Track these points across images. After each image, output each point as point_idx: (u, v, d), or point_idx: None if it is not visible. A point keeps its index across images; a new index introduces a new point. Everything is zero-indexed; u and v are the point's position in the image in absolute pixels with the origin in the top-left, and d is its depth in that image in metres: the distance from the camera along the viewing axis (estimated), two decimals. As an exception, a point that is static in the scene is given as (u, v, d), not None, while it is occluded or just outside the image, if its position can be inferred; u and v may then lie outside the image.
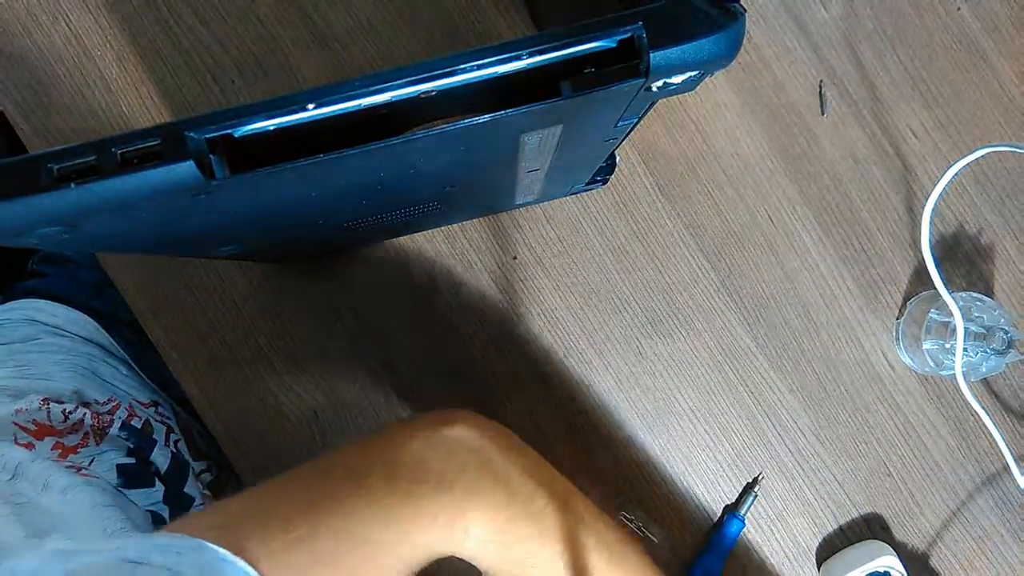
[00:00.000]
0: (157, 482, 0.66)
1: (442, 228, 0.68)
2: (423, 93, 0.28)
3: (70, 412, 0.64)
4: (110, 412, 0.68)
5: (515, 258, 0.68)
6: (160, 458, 0.68)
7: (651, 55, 0.28)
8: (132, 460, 0.65)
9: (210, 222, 0.37)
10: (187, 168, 0.27)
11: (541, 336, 0.69)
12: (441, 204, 0.55)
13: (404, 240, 0.68)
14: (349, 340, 0.68)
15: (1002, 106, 0.70)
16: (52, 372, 0.69)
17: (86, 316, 0.77)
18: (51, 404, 0.63)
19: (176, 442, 0.71)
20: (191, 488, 0.69)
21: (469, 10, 0.68)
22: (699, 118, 0.69)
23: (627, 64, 0.29)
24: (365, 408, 0.68)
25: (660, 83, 0.30)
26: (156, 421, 0.71)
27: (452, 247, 0.68)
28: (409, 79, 0.28)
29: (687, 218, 0.69)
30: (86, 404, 0.67)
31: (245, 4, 0.67)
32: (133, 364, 0.78)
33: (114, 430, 0.66)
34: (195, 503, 0.69)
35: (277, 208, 0.38)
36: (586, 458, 0.68)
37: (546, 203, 0.68)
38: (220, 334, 0.67)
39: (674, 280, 0.69)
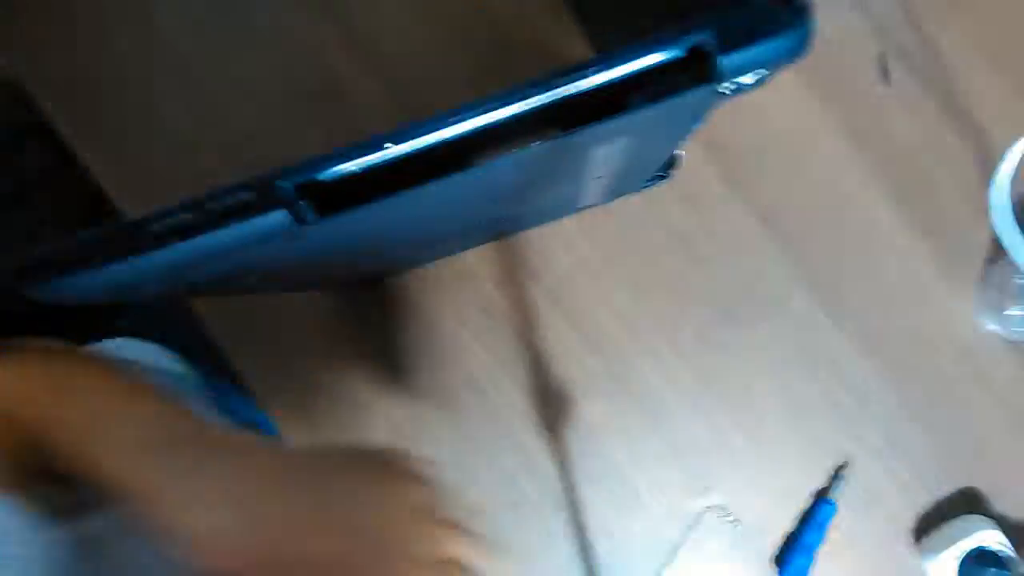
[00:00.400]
0: None
1: (505, 238, 0.69)
2: (497, 122, 0.28)
3: None
4: None
5: (579, 261, 0.68)
6: None
7: (721, 59, 0.28)
8: None
9: (298, 260, 0.38)
10: (280, 216, 0.28)
11: (616, 336, 0.68)
12: (510, 218, 0.55)
13: (469, 254, 0.68)
14: (424, 358, 0.68)
15: (1073, 60, 0.68)
16: None
17: (163, 348, 0.80)
18: None
19: None
20: None
21: (519, 23, 0.68)
22: (759, 102, 0.68)
23: (697, 71, 0.29)
24: (451, 424, 0.68)
25: (732, 85, 0.30)
26: None
27: (517, 256, 0.68)
28: (483, 110, 0.28)
29: (754, 204, 0.68)
30: None
31: (301, 38, 0.68)
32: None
33: None
34: None
35: (357, 240, 0.39)
36: (670, 451, 0.68)
37: (610, 203, 0.68)
38: (301, 362, 0.69)
39: (746, 267, 0.68)
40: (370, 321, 0.69)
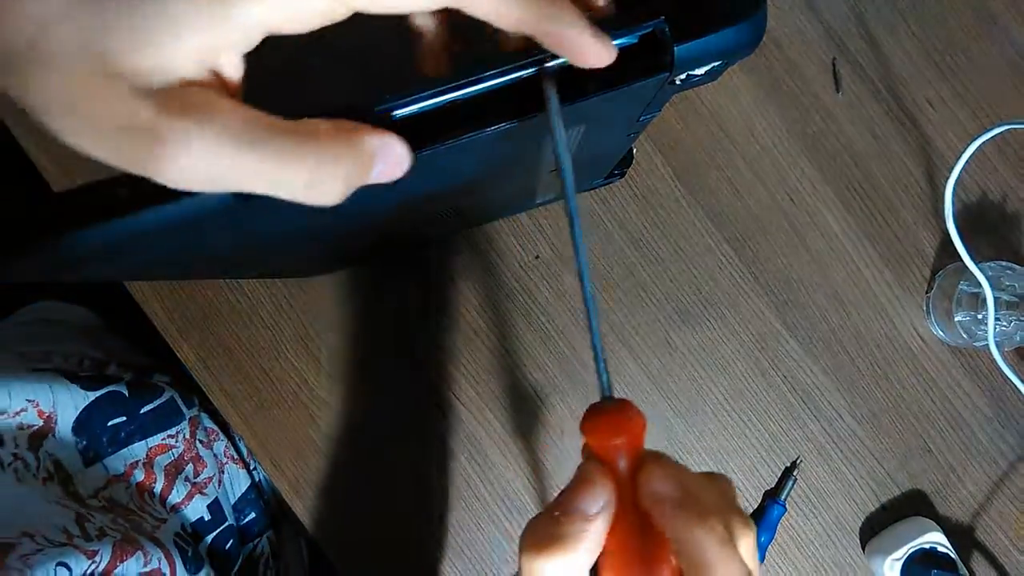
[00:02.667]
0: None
1: (462, 233, 0.68)
2: (449, 102, 0.28)
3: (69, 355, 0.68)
4: (108, 356, 0.72)
5: (537, 257, 0.68)
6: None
7: (675, 49, 0.28)
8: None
9: (247, 238, 0.37)
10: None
11: (568, 333, 0.68)
12: (462, 210, 0.55)
13: (425, 248, 0.68)
14: (377, 350, 0.68)
15: (1018, 71, 0.70)
16: (60, 339, 0.72)
17: (89, 311, 0.79)
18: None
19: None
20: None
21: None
22: (713, 104, 0.69)
23: (651, 59, 0.29)
24: (399, 417, 0.68)
25: (684, 76, 0.30)
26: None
27: (473, 251, 0.68)
28: (436, 90, 0.28)
29: (708, 206, 0.69)
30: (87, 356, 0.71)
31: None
32: (134, 340, 0.80)
33: (111, 368, 0.70)
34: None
35: (306, 221, 0.38)
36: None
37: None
38: (249, 352, 0.67)
39: (699, 269, 0.69)
40: (324, 311, 0.68)
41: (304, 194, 0.25)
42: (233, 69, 0.26)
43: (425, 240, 0.67)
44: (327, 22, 0.26)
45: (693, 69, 0.29)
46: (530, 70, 0.28)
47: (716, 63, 0.30)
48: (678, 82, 0.31)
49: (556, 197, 0.65)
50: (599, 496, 0.28)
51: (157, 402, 0.67)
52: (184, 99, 0.23)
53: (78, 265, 0.29)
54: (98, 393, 0.62)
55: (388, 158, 0.27)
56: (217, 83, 0.25)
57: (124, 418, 0.63)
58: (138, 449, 0.64)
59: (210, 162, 0.23)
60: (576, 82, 0.29)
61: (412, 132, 0.28)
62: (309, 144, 0.25)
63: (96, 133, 0.23)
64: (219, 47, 0.24)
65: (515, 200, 0.60)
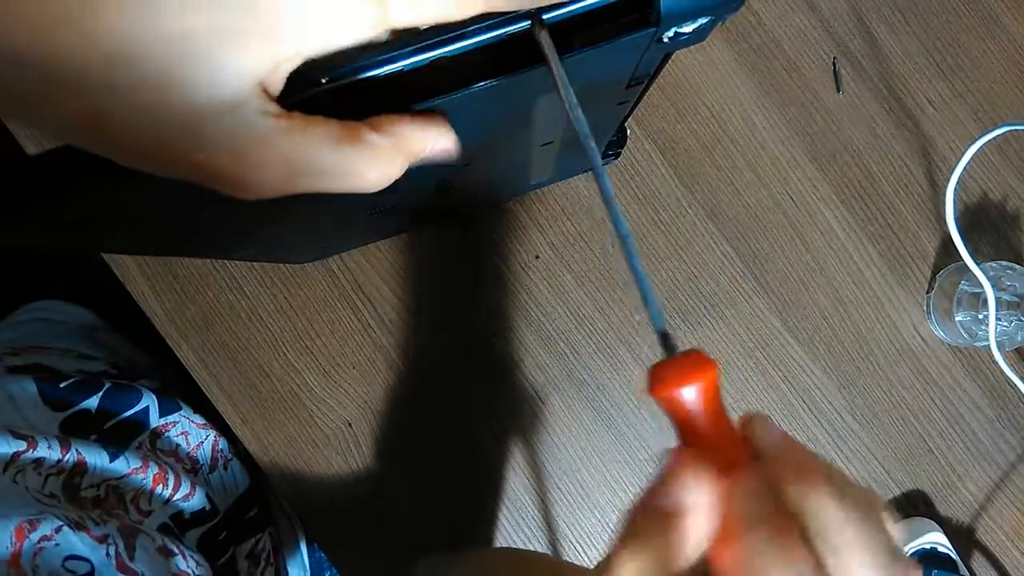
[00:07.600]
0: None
1: (460, 230, 0.68)
2: (435, 59, 0.28)
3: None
4: (101, 360, 0.71)
5: (537, 257, 0.68)
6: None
7: (660, 1, 0.28)
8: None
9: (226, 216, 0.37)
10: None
11: (569, 333, 0.68)
12: (456, 186, 0.54)
13: (424, 244, 0.68)
14: (377, 351, 0.68)
15: (1019, 70, 0.70)
16: (59, 338, 0.72)
17: (89, 311, 0.79)
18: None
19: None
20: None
21: None
22: (713, 103, 0.69)
23: (637, 13, 0.29)
24: (398, 417, 0.68)
25: (671, 33, 0.30)
26: (149, 381, 0.72)
27: (471, 250, 0.68)
28: (420, 46, 0.28)
29: (708, 205, 0.69)
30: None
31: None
32: (133, 341, 0.80)
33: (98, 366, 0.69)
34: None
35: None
36: (621, 450, 0.68)
37: (564, 199, 0.68)
38: (249, 352, 0.67)
39: (699, 268, 0.69)
40: (322, 311, 0.68)
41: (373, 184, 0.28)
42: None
43: (418, 223, 0.67)
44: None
45: (680, 25, 0.30)
46: (523, 23, 0.28)
47: (703, 19, 0.30)
48: (665, 40, 0.31)
49: (550, 180, 0.65)
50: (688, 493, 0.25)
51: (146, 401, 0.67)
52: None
53: (57, 231, 0.29)
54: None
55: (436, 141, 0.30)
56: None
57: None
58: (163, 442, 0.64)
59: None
60: (563, 39, 0.29)
61: (397, 89, 0.28)
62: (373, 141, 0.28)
63: None
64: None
65: (507, 180, 0.60)
